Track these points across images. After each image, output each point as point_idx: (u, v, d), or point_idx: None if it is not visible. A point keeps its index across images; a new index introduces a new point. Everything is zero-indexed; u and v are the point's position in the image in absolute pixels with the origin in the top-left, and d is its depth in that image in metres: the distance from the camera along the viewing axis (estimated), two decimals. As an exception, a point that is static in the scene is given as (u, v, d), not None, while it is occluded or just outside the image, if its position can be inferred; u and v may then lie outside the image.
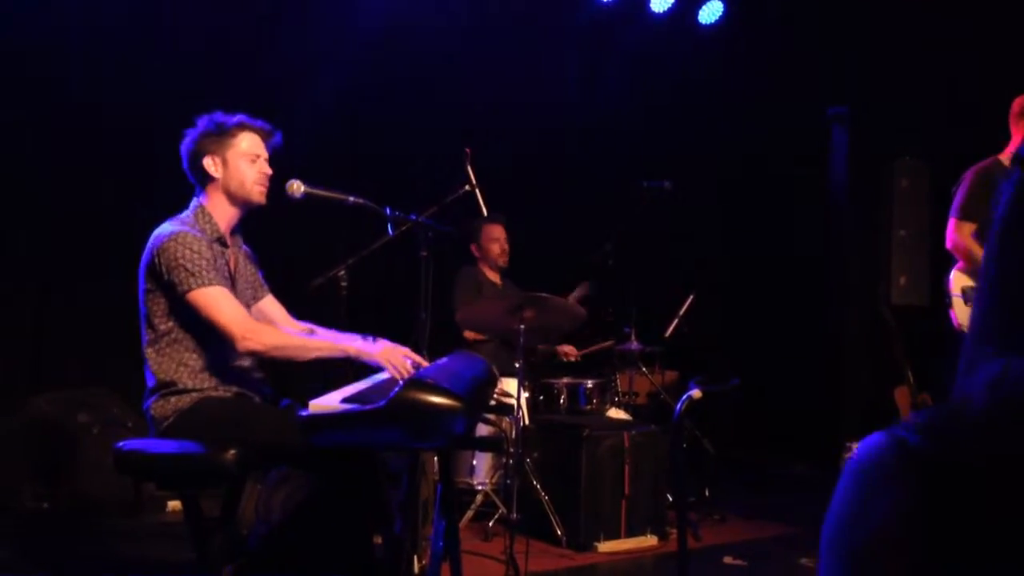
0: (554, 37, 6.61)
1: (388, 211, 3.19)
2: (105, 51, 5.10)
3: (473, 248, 5.51)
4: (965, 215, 4.39)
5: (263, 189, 3.09)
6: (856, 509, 0.87)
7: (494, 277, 5.51)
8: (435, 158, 5.62)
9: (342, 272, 3.56)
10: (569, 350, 5.53)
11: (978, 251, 4.29)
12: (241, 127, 3.07)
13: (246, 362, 3.04)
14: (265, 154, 3.11)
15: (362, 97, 6.03)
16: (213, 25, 5.35)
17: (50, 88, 4.99)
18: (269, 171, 3.10)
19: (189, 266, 2.83)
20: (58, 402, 4.69)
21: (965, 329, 4.28)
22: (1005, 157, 4.44)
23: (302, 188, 3.04)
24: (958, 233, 4.39)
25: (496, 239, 5.46)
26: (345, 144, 6.00)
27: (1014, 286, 0.91)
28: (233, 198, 3.06)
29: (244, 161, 3.05)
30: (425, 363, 2.98)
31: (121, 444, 2.84)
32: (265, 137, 3.12)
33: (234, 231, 3.14)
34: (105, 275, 4.79)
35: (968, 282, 4.42)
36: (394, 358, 2.83)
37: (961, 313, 4.42)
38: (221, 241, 3.04)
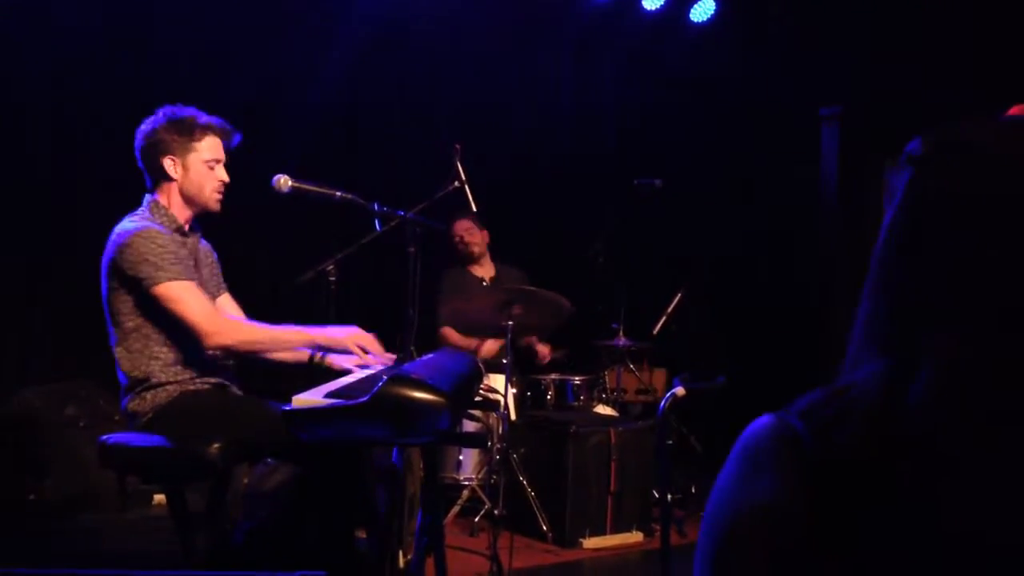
0: (546, 34, 6.60)
1: (376, 207, 3.18)
2: (101, 49, 5.09)
3: (451, 245, 5.47)
4: None
5: (220, 197, 3.06)
6: (736, 486, 0.89)
7: (481, 272, 5.46)
8: (427, 155, 5.63)
9: (331, 267, 3.56)
10: (543, 349, 5.51)
11: None
12: (207, 129, 3.01)
13: (218, 352, 3.02)
14: (223, 158, 3.06)
15: (354, 93, 6.02)
16: (206, 20, 5.33)
17: (44, 85, 4.98)
18: (226, 179, 3.06)
19: (154, 259, 2.80)
20: (45, 395, 4.68)
21: None
22: None
23: (289, 183, 3.03)
24: None
25: (458, 234, 5.36)
26: (336, 140, 5.99)
27: (901, 289, 0.93)
28: (188, 201, 3.04)
29: (204, 168, 3.01)
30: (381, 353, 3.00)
31: (105, 437, 2.84)
32: (226, 138, 3.07)
33: (192, 228, 3.11)
34: (91, 268, 4.76)
35: None
36: (361, 340, 2.84)
37: None
38: (180, 231, 3.01)
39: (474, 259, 5.43)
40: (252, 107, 5.10)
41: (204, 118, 3.03)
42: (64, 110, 5.03)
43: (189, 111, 3.03)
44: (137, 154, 3.04)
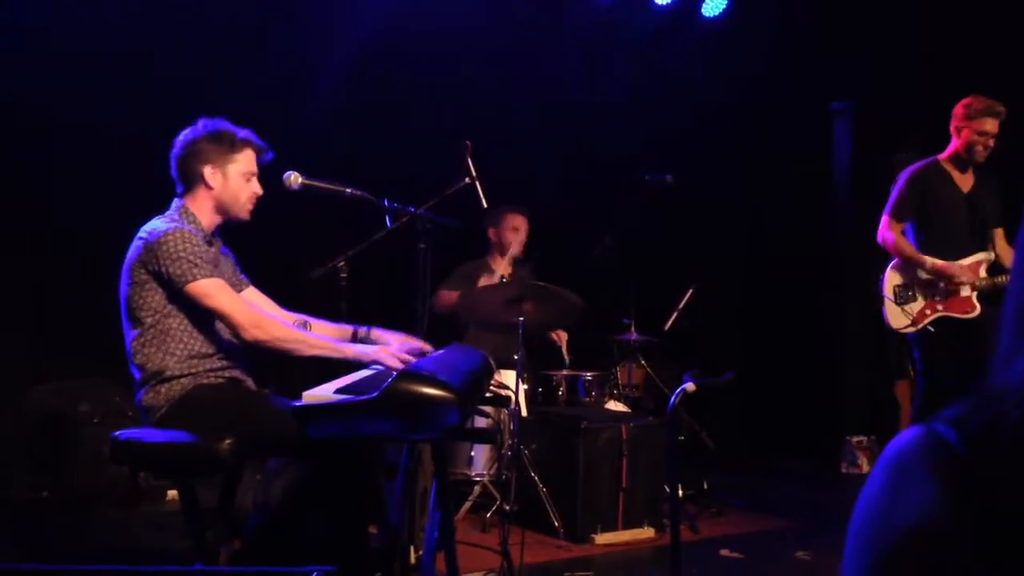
0: (557, 29, 6.60)
1: (386, 203, 3.20)
2: (108, 45, 5.11)
3: (491, 232, 5.43)
4: (896, 215, 4.63)
5: (251, 208, 3.17)
6: (887, 502, 0.85)
7: (502, 269, 5.46)
8: (437, 151, 5.63)
9: (342, 263, 3.57)
10: (561, 335, 5.48)
11: (906, 246, 4.60)
12: (245, 143, 3.12)
13: (234, 345, 3.05)
14: (257, 171, 3.17)
15: (364, 90, 6.03)
16: (214, 17, 5.35)
17: (49, 83, 5.00)
18: (260, 191, 3.17)
19: (191, 258, 2.88)
20: (59, 392, 4.72)
21: (894, 328, 4.64)
22: (944, 159, 4.57)
23: (300, 180, 3.06)
24: (889, 230, 4.63)
25: (516, 229, 5.38)
26: (347, 136, 6.00)
27: None
28: (221, 209, 3.13)
29: (242, 180, 3.11)
30: (429, 348, 3.01)
31: (118, 433, 2.86)
32: (260, 154, 3.18)
33: (214, 234, 3.18)
34: (105, 265, 4.80)
35: (899, 280, 4.67)
36: (398, 357, 2.84)
37: (892, 314, 4.66)
38: (207, 240, 3.08)
39: (513, 254, 5.36)
40: (261, 104, 5.11)
41: (241, 132, 3.14)
42: (73, 112, 5.05)
43: (225, 124, 3.13)
44: (173, 162, 3.13)
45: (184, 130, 3.13)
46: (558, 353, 5.45)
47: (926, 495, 0.82)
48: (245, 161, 3.12)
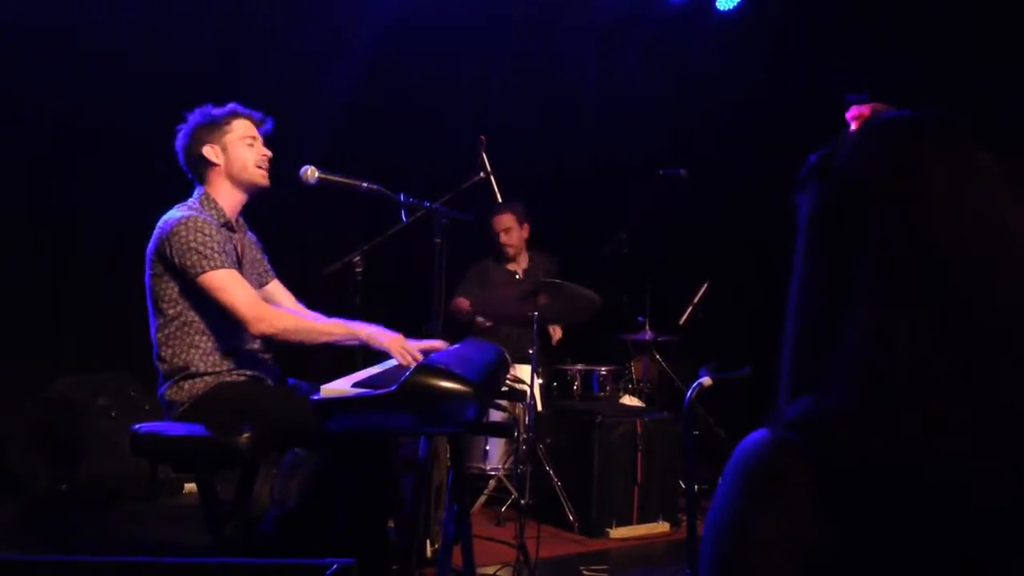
0: (571, 24, 6.58)
1: (402, 197, 3.20)
2: (118, 41, 5.13)
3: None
4: None
5: (264, 171, 3.15)
6: (744, 515, 0.86)
7: (514, 267, 5.44)
8: (451, 146, 5.63)
9: (357, 258, 3.58)
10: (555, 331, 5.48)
11: None
12: (234, 115, 3.12)
13: (256, 344, 3.07)
14: (259, 136, 3.16)
15: (379, 85, 6.03)
16: (229, 11, 5.37)
17: (69, 74, 5.02)
18: (268, 153, 3.16)
19: (201, 249, 2.86)
20: (77, 386, 4.74)
21: None
22: None
23: (316, 174, 3.05)
24: None
25: (497, 231, 5.37)
26: (362, 131, 6.01)
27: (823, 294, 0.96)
28: (237, 182, 3.11)
29: (242, 145, 3.10)
30: (442, 346, 3.01)
31: (137, 427, 2.89)
32: (257, 124, 3.18)
33: (239, 217, 3.18)
34: (124, 259, 4.83)
35: None
36: (403, 345, 2.85)
37: None
38: (228, 226, 3.08)
39: (509, 258, 5.42)
40: (277, 99, 5.11)
41: (230, 106, 3.14)
42: (92, 104, 5.07)
43: (212, 108, 3.14)
44: (180, 160, 3.14)
45: (180, 129, 3.15)
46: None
47: (786, 504, 0.83)
48: (240, 128, 3.11)
